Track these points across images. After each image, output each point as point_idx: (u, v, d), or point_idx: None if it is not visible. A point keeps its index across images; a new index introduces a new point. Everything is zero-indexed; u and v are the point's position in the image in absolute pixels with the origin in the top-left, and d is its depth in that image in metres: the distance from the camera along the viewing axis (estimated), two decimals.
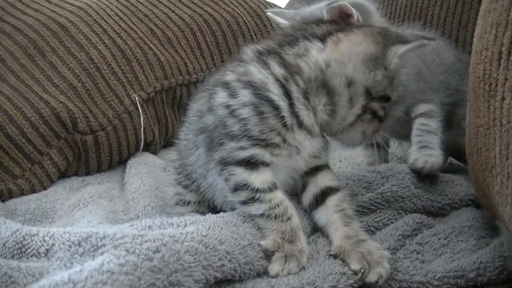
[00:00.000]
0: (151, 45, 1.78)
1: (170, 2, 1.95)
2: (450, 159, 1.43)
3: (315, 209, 1.03)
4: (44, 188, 1.50)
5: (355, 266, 0.88)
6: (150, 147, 1.73)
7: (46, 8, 1.76)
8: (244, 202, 0.98)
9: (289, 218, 0.95)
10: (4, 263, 0.84)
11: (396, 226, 1.02)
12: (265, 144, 0.97)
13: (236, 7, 2.04)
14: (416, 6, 1.83)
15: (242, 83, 0.99)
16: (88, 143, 1.56)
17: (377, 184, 1.15)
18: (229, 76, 1.02)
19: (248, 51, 1.04)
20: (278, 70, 0.99)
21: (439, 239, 0.99)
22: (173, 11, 1.92)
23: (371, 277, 0.87)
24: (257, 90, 0.98)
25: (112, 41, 1.71)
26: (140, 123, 1.65)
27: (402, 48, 1.00)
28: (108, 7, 1.81)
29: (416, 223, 1.03)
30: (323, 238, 1.00)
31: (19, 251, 0.93)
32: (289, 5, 2.51)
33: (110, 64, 1.66)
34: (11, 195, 1.43)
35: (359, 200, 1.09)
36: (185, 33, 1.89)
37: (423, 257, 0.95)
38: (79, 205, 1.34)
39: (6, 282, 0.81)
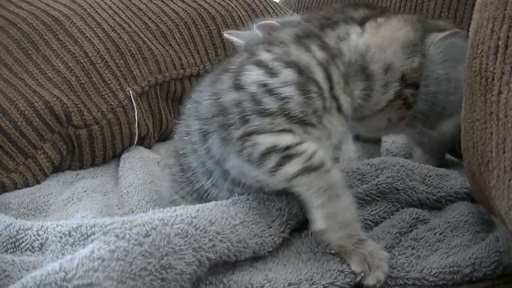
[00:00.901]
0: (145, 39, 1.77)
1: None
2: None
3: None
4: (38, 182, 1.49)
5: (356, 268, 0.87)
6: (144, 141, 1.72)
7: (40, 1, 1.75)
8: (275, 168, 0.90)
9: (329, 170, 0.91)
10: None
11: (393, 223, 1.02)
12: (303, 123, 0.93)
13: (231, 1, 2.03)
14: (411, 1, 1.84)
15: (284, 62, 0.94)
16: (82, 137, 1.56)
17: (372, 176, 1.15)
18: (265, 56, 0.96)
19: (284, 35, 1.00)
20: (319, 53, 0.96)
21: (434, 234, 0.99)
22: (167, 5, 1.91)
23: (370, 281, 0.86)
24: (302, 70, 0.93)
25: (106, 34, 1.70)
26: (134, 117, 1.64)
27: (439, 35, 1.00)
28: (102, 0, 1.81)
29: (413, 218, 1.03)
30: None
31: (12, 245, 0.93)
32: (283, 2, 2.51)
33: (104, 58, 1.65)
34: (4, 189, 1.42)
35: (354, 191, 1.09)
36: (179, 27, 1.88)
37: (418, 253, 0.95)
38: (73, 199, 1.34)
39: (0, 276, 0.81)
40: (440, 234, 1.00)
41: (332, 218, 0.90)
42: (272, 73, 0.93)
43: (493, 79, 0.79)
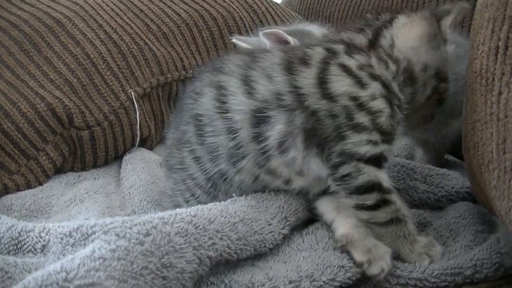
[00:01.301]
0: (147, 41, 1.78)
1: None
2: (446, 154, 1.44)
3: (322, 194, 1.02)
4: (40, 184, 1.49)
5: (360, 258, 0.87)
6: (146, 143, 1.72)
7: (41, 3, 1.75)
8: (372, 207, 0.92)
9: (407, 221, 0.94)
10: (0, 259, 0.84)
11: None
12: (391, 138, 0.95)
13: (232, 3, 2.03)
14: (412, 1, 1.84)
15: (369, 74, 0.95)
16: (84, 138, 1.56)
17: None
18: (350, 62, 0.96)
19: (358, 40, 1.02)
20: (392, 66, 0.99)
21: (436, 235, 0.99)
22: (169, 7, 1.91)
23: (374, 270, 0.86)
24: (385, 83, 0.95)
25: (108, 36, 1.70)
26: (136, 118, 1.64)
27: (449, 18, 1.04)
28: (104, 2, 1.81)
29: (414, 222, 1.03)
30: (322, 230, 1.00)
31: (15, 247, 0.93)
32: (285, 0, 2.51)
33: (106, 60, 1.66)
34: (6, 191, 1.42)
35: None
36: (181, 28, 1.88)
37: None
38: (75, 201, 1.34)
39: (3, 277, 0.81)
40: (442, 236, 1.00)
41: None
42: (361, 84, 0.94)
43: (493, 79, 0.79)
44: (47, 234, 0.91)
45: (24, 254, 0.92)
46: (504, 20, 0.78)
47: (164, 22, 1.86)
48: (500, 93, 0.77)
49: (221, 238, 0.87)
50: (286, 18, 2.08)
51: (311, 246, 0.95)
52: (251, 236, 0.91)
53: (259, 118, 0.96)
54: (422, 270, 0.88)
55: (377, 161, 0.93)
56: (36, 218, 1.30)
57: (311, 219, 1.05)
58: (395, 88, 0.97)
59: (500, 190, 0.78)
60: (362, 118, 0.92)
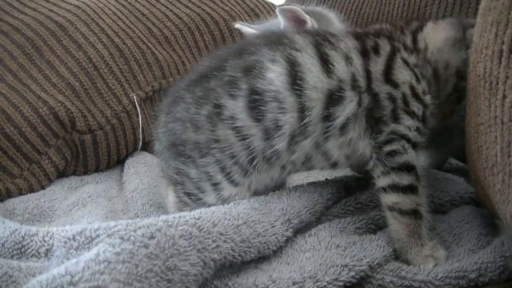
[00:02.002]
0: (149, 44, 1.78)
1: (168, 1, 1.95)
2: (449, 158, 1.43)
3: None
4: (43, 188, 1.49)
5: None
6: (148, 147, 1.72)
7: (43, 7, 1.75)
8: (404, 189, 0.98)
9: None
10: (4, 263, 0.83)
11: None
12: (427, 133, 1.04)
13: (234, 6, 2.04)
14: (414, 4, 1.84)
15: (420, 73, 1.05)
16: (86, 142, 1.56)
17: None
18: (409, 59, 1.05)
19: (405, 38, 1.10)
20: (429, 68, 1.07)
21: (440, 239, 0.99)
22: (170, 10, 1.92)
23: None
24: (429, 83, 1.05)
25: (110, 40, 1.70)
26: (139, 122, 1.64)
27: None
28: (106, 6, 1.81)
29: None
30: (325, 231, 1.00)
31: (18, 251, 0.93)
32: (286, 4, 2.51)
33: (108, 63, 1.66)
34: (9, 195, 1.43)
35: (358, 197, 1.10)
36: (183, 32, 1.89)
37: None
38: (77, 205, 1.34)
39: (7, 282, 0.81)
40: (445, 240, 1.00)
41: None
42: (417, 79, 1.03)
43: (497, 83, 0.79)
44: (51, 238, 0.90)
45: (28, 258, 0.91)
46: (508, 24, 0.78)
47: (166, 26, 1.86)
48: (504, 97, 0.77)
49: (225, 241, 0.87)
50: None
51: (314, 246, 0.96)
52: (254, 238, 0.91)
53: (334, 98, 0.99)
54: (426, 272, 0.88)
55: (417, 147, 1.01)
56: (38, 222, 1.30)
57: (314, 222, 1.05)
58: (432, 89, 1.06)
59: (504, 194, 0.77)
60: (415, 106, 1.01)
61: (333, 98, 0.99)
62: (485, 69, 0.83)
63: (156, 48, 1.79)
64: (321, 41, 1.03)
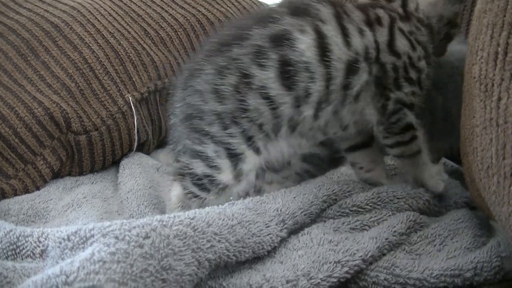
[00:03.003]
0: (145, 45, 1.78)
1: (163, 2, 1.95)
2: (444, 159, 1.44)
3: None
4: (38, 188, 1.49)
5: None
6: (144, 148, 1.72)
7: (39, 7, 1.75)
8: (407, 142, 1.12)
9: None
10: None
11: (390, 223, 1.02)
12: (423, 92, 1.14)
13: (230, 7, 2.04)
14: None
15: (415, 39, 1.13)
16: (81, 143, 1.56)
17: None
18: (404, 27, 1.13)
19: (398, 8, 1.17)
20: (423, 30, 1.16)
21: (435, 237, 1.00)
22: (166, 11, 1.91)
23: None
24: (425, 47, 1.15)
25: (105, 41, 1.70)
26: (134, 123, 1.64)
27: None
28: (102, 7, 1.81)
29: (410, 221, 1.04)
30: (318, 229, 1.00)
31: (13, 252, 0.93)
32: None
33: (103, 64, 1.65)
34: (4, 195, 1.42)
35: (354, 199, 1.10)
36: (179, 33, 1.88)
37: (420, 254, 0.96)
38: (72, 206, 1.33)
39: (1, 282, 0.81)
40: (440, 235, 1.01)
41: None
42: (413, 47, 1.11)
43: (493, 85, 0.79)
44: (45, 239, 0.90)
45: (22, 259, 0.91)
46: (503, 26, 0.78)
47: (162, 27, 1.86)
48: (499, 99, 0.77)
49: (219, 241, 0.87)
50: None
51: (306, 244, 0.96)
52: (249, 238, 0.91)
53: (351, 69, 1.06)
54: (421, 270, 0.88)
55: (413, 107, 1.12)
56: (33, 222, 1.30)
57: (309, 224, 1.05)
58: (429, 49, 1.15)
59: (499, 196, 0.78)
60: (413, 73, 1.10)
61: (351, 69, 1.06)
62: (480, 71, 0.83)
63: (151, 49, 1.79)
64: (341, 13, 1.09)
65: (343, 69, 1.05)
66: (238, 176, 1.08)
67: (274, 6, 1.23)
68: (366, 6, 1.13)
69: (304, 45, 1.04)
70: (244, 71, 1.04)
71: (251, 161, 1.08)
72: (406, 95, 1.10)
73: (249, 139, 1.07)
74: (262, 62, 1.04)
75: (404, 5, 1.16)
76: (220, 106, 1.06)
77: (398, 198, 1.10)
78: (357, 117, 1.12)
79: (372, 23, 1.10)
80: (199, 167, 1.09)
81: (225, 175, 1.08)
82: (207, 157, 1.08)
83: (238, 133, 1.06)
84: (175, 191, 1.13)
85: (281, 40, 1.04)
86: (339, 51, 1.05)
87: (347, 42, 1.06)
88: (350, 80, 1.06)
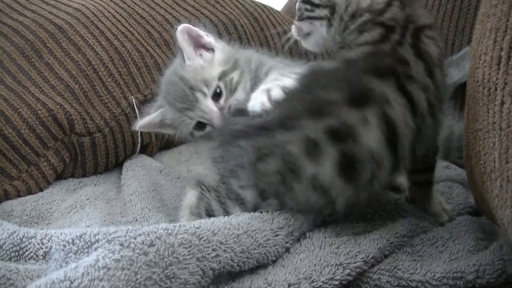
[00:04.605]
0: (148, 47, 1.78)
1: (167, 4, 1.95)
2: (447, 162, 1.44)
3: None
4: (41, 190, 1.49)
5: None
6: (147, 150, 1.72)
7: (43, 9, 1.75)
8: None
9: None
10: (2, 265, 0.83)
11: (392, 226, 1.02)
12: None
13: (233, 10, 2.04)
14: None
15: None
16: (85, 144, 1.56)
17: None
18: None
19: None
20: None
21: (437, 240, 1.00)
22: (170, 13, 1.92)
23: None
24: None
25: (109, 43, 1.71)
26: None
27: None
28: (106, 9, 1.81)
29: (412, 224, 1.04)
30: (319, 233, 1.00)
31: (16, 253, 0.93)
32: (286, 8, 2.52)
33: (107, 66, 1.66)
34: (7, 197, 1.42)
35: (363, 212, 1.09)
36: None
37: (422, 256, 0.96)
38: (75, 207, 1.34)
39: (5, 285, 0.81)
40: (442, 237, 1.01)
41: None
42: None
43: (496, 89, 0.79)
44: (49, 241, 0.90)
45: (26, 261, 0.91)
46: (506, 30, 0.79)
47: (165, 29, 1.86)
48: (502, 103, 0.77)
49: (224, 250, 0.87)
50: (286, 25, 2.08)
51: (308, 247, 0.96)
52: (255, 249, 0.91)
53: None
54: (423, 272, 0.88)
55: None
56: (36, 224, 1.30)
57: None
58: None
59: (502, 200, 0.78)
60: None
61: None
62: (484, 75, 0.83)
63: (155, 51, 1.79)
64: (401, 77, 0.94)
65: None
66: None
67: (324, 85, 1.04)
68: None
69: (367, 136, 0.92)
70: (291, 164, 0.96)
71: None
72: None
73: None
74: (315, 156, 0.94)
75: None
76: (255, 180, 1.02)
77: (405, 212, 1.10)
78: None
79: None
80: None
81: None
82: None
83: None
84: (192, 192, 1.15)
85: (339, 133, 0.93)
86: (404, 126, 0.94)
87: (414, 112, 0.95)
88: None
